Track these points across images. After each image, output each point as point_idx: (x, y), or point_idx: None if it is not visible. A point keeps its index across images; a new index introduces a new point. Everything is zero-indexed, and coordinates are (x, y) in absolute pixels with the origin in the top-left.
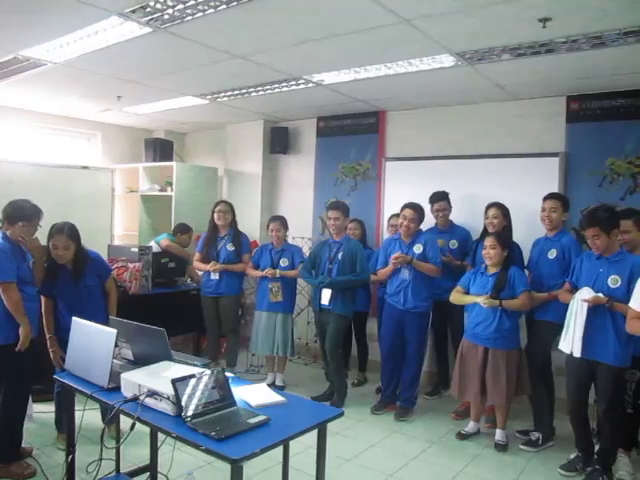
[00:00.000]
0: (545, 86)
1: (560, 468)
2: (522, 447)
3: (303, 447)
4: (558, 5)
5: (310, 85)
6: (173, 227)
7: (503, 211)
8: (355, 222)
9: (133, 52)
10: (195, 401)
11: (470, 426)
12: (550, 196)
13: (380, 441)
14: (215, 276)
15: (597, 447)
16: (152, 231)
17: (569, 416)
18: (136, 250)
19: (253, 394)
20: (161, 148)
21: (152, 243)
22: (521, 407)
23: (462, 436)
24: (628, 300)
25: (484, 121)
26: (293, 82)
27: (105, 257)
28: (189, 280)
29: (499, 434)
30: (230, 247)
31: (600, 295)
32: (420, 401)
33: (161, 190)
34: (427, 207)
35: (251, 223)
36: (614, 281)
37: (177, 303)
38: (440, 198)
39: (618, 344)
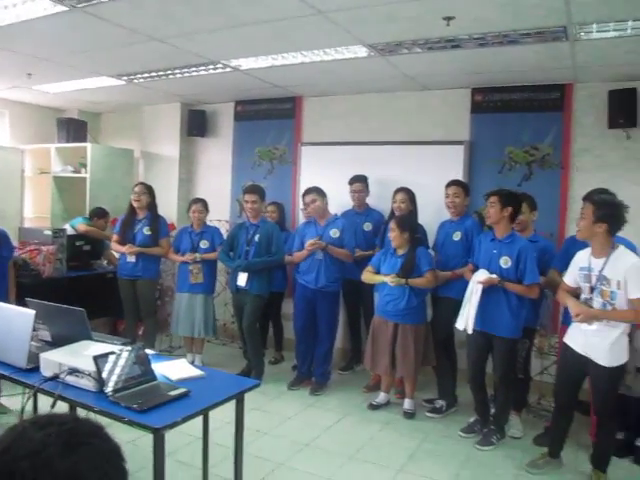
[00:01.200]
0: (452, 78)
1: (460, 431)
2: (428, 414)
3: (221, 423)
4: (461, 6)
5: (228, 70)
6: (89, 211)
7: (410, 196)
8: (274, 205)
9: (46, 30)
10: (116, 376)
11: (381, 397)
12: (452, 183)
13: (296, 414)
14: (131, 259)
15: (493, 411)
16: (65, 214)
17: (469, 384)
18: (49, 233)
19: (173, 369)
20: (74, 128)
21: (66, 226)
22: (426, 378)
23: (373, 407)
24: (517, 278)
25: (396, 109)
26: (211, 66)
27: (15, 240)
28: (106, 263)
29: (407, 403)
30: (147, 231)
31: (493, 276)
32: (334, 376)
33: (75, 172)
34: (345, 190)
35: (168, 206)
36: (505, 262)
37: (93, 286)
38: (358, 180)
39: (511, 318)
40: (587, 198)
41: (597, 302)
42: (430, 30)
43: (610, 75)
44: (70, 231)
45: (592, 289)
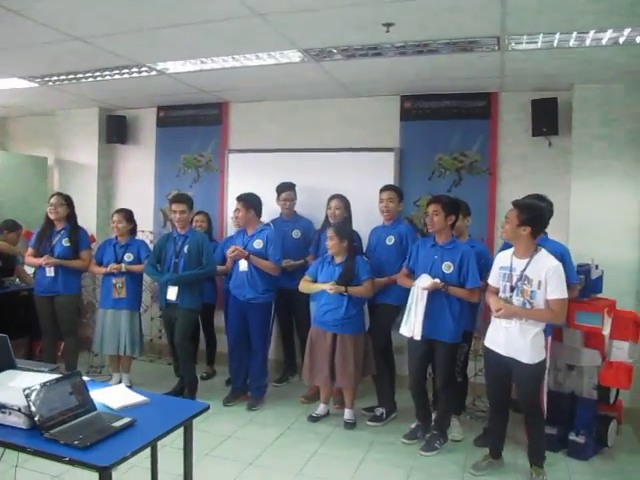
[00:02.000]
0: (382, 85)
1: (403, 438)
2: (369, 423)
3: (160, 445)
4: (401, 13)
5: (153, 73)
6: None
7: (344, 202)
8: (202, 214)
9: None
10: (51, 410)
11: (320, 408)
12: (386, 187)
13: (235, 432)
14: (50, 273)
15: (434, 415)
16: None
17: (410, 390)
18: None
19: (113, 396)
20: None
21: None
22: (365, 386)
23: (314, 419)
24: (459, 283)
25: (326, 116)
26: (135, 69)
27: None
28: (18, 280)
29: (348, 413)
30: (66, 242)
31: (437, 281)
32: (269, 389)
33: None
34: (274, 198)
35: (87, 217)
36: (447, 267)
37: (5, 305)
38: (287, 188)
39: (453, 323)
40: (514, 202)
41: (517, 300)
42: (369, 36)
43: (533, 85)
44: None
45: (512, 288)
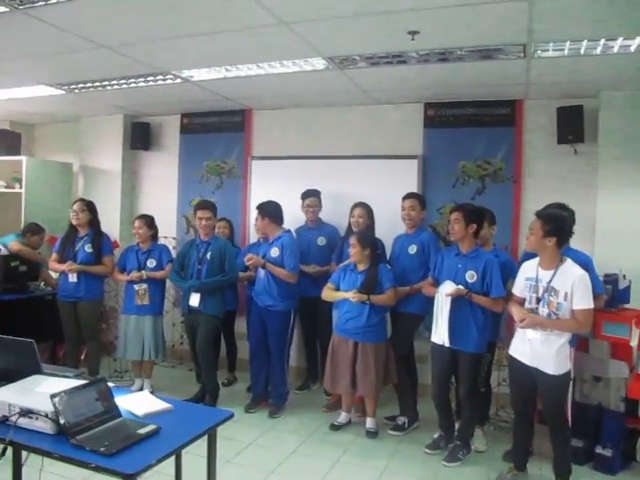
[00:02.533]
0: (405, 93)
1: (426, 447)
2: (390, 432)
3: (188, 455)
4: (427, 21)
5: (178, 81)
6: (22, 227)
7: (368, 211)
8: (224, 221)
9: None
10: (78, 416)
11: (342, 417)
12: (409, 195)
13: (256, 439)
14: (73, 278)
15: (457, 425)
16: None
17: (433, 400)
18: None
19: (137, 403)
20: (7, 141)
21: None
22: (386, 395)
23: (335, 427)
24: (482, 292)
25: (349, 123)
26: (160, 77)
27: None
28: (43, 285)
29: (369, 422)
30: (88, 248)
31: (460, 287)
32: (291, 396)
33: (7, 187)
34: (297, 205)
35: (110, 223)
36: (471, 276)
37: (31, 309)
38: (311, 194)
39: (477, 333)
40: (537, 213)
41: (543, 312)
42: (394, 44)
43: (559, 92)
44: (4, 251)
45: (538, 299)
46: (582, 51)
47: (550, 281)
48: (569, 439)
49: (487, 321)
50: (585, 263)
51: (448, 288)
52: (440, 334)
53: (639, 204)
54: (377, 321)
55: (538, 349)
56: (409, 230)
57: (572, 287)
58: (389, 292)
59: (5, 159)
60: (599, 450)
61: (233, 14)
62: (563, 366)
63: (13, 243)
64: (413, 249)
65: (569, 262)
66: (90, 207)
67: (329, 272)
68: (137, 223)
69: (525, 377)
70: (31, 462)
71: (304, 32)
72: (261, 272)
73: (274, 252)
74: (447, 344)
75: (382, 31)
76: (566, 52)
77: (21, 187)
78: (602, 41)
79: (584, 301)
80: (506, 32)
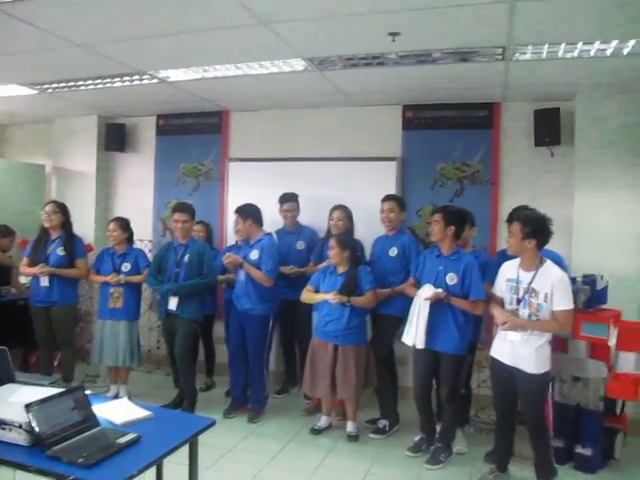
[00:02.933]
0: (384, 95)
1: (407, 450)
2: (372, 435)
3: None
4: (408, 22)
5: (154, 81)
6: None
7: (347, 213)
8: (201, 224)
9: None
10: (53, 426)
11: (322, 421)
12: (387, 198)
13: (236, 445)
14: (45, 282)
15: (438, 427)
16: None
17: (415, 401)
18: None
19: (116, 411)
20: None
21: None
22: (366, 398)
23: (316, 431)
24: (462, 295)
25: (327, 125)
26: (137, 77)
27: None
28: (13, 290)
29: (350, 426)
30: (61, 251)
31: (439, 291)
32: (270, 400)
33: None
34: (276, 207)
35: (84, 225)
36: (451, 278)
37: (1, 315)
38: (289, 199)
39: (457, 335)
40: (513, 216)
41: (524, 313)
42: (374, 45)
43: (536, 95)
44: None
45: (519, 300)
46: (560, 54)
47: (530, 282)
48: (549, 441)
49: (468, 322)
50: (556, 261)
51: (427, 292)
52: (412, 336)
53: (615, 205)
54: (357, 323)
55: (518, 349)
56: (389, 232)
57: (552, 288)
58: (369, 294)
59: None
60: (579, 449)
61: (212, 13)
62: (542, 365)
63: None
64: (394, 251)
65: (549, 263)
66: (62, 209)
67: (307, 273)
68: (112, 226)
69: (506, 378)
70: (3, 475)
71: (284, 32)
72: (241, 275)
73: (254, 255)
74: (420, 346)
75: (363, 32)
76: (544, 55)
77: None
78: (579, 44)
79: (564, 302)
80: (486, 34)
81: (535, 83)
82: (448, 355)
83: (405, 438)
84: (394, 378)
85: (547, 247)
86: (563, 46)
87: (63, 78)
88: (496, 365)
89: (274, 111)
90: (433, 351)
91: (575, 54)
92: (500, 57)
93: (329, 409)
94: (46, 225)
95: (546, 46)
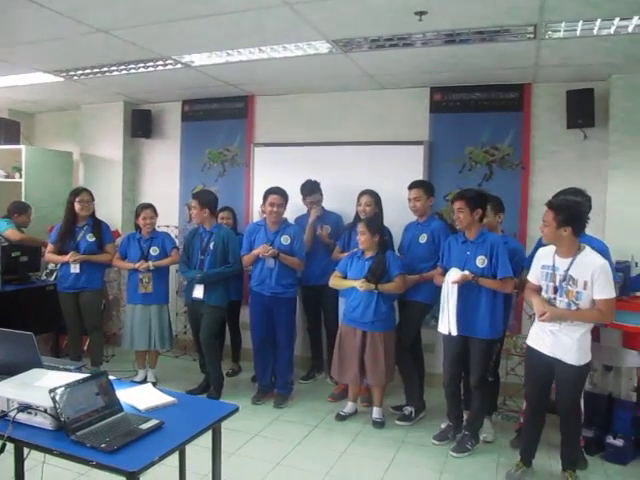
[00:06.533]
0: (411, 77)
1: (434, 438)
2: (397, 422)
3: (193, 447)
4: (435, 1)
5: (178, 66)
6: (8, 208)
7: (375, 198)
8: (227, 211)
9: None
10: (77, 411)
11: (348, 407)
12: (413, 185)
13: (262, 430)
14: (76, 269)
15: (465, 415)
16: None
17: (445, 389)
18: None
19: (140, 397)
20: (6, 129)
21: None
22: (392, 384)
23: (341, 417)
24: (493, 275)
25: (353, 109)
26: (160, 62)
27: None
28: (44, 276)
29: (376, 412)
30: (90, 237)
31: (465, 272)
32: (296, 386)
33: (7, 176)
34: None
35: (111, 211)
36: (482, 261)
37: (32, 301)
38: (311, 191)
39: (488, 319)
40: (548, 203)
41: (561, 301)
42: (401, 25)
43: (568, 75)
44: (3, 242)
45: (556, 288)
46: (595, 31)
47: (568, 269)
48: (580, 431)
49: (497, 307)
50: (600, 251)
51: (453, 275)
52: (446, 323)
53: None
54: (385, 309)
55: (560, 338)
56: (419, 219)
57: (592, 276)
58: (398, 279)
59: (4, 148)
60: (610, 440)
61: None
62: (584, 356)
63: (11, 232)
64: (424, 238)
65: (588, 250)
66: (93, 196)
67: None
68: (148, 213)
69: (542, 368)
70: (33, 454)
71: (307, 13)
72: (269, 262)
73: (285, 240)
74: (454, 333)
75: (388, 11)
76: (578, 33)
77: (21, 176)
78: (616, 20)
79: (606, 291)
80: (517, 11)
81: (568, 63)
82: (479, 340)
83: (431, 425)
84: (421, 365)
85: (592, 234)
86: (599, 22)
87: (88, 65)
88: (533, 355)
89: (300, 95)
90: (464, 337)
91: (612, 30)
92: (532, 36)
93: (355, 395)
94: (83, 213)
95: (580, 23)
